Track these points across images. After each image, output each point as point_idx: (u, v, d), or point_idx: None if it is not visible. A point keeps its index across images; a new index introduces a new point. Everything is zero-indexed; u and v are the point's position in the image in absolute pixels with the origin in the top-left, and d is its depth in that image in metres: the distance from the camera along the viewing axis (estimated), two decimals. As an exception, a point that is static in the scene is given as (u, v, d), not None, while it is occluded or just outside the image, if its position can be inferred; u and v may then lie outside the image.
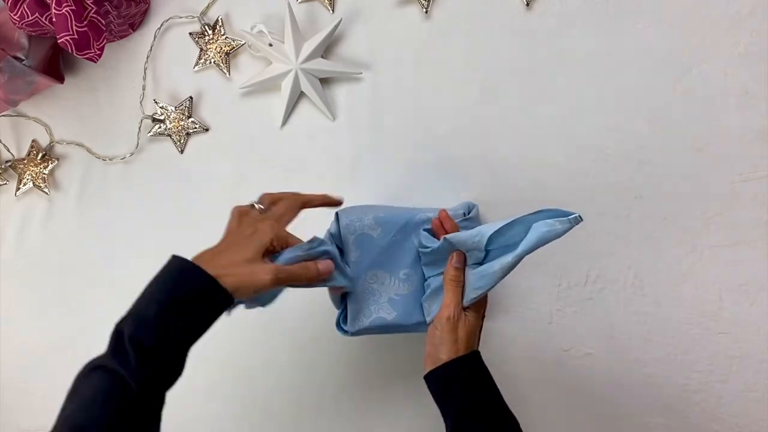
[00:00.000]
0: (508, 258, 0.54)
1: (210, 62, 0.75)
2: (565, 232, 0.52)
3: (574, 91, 0.72)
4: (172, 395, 0.74)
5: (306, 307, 0.73)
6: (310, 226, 0.75)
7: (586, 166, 0.72)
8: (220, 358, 0.76)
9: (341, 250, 0.65)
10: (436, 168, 0.74)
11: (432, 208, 0.68)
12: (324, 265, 0.57)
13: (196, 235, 0.76)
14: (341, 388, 0.75)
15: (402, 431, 0.74)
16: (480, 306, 0.60)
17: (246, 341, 0.76)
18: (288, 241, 0.56)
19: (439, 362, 0.56)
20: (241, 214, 0.57)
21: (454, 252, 0.59)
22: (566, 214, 0.52)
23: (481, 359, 0.58)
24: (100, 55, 0.66)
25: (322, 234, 0.69)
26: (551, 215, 0.53)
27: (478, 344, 0.59)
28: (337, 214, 0.68)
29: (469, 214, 0.67)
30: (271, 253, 0.54)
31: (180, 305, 0.49)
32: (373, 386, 0.75)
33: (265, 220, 0.55)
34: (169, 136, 0.76)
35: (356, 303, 0.64)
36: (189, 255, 0.76)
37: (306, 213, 0.75)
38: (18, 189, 0.78)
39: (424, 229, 0.64)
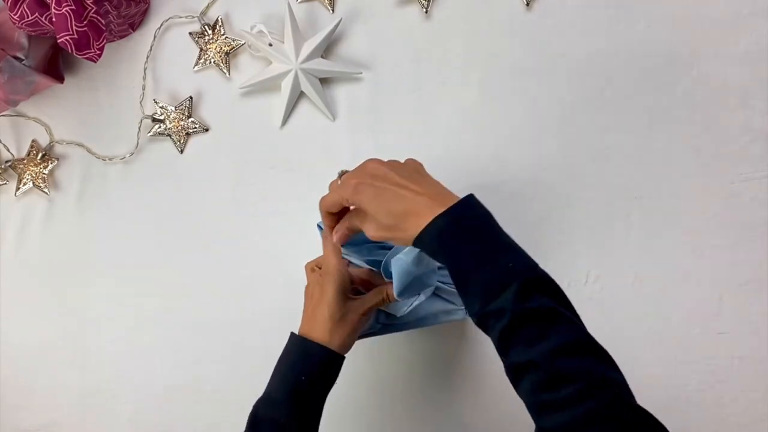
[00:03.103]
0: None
1: (210, 62, 0.75)
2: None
3: (574, 91, 0.72)
4: (171, 396, 0.73)
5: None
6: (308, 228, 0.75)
7: (586, 166, 0.72)
8: (222, 360, 0.76)
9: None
10: (435, 168, 0.73)
11: None
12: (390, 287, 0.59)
13: (196, 235, 0.77)
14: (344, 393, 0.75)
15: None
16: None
17: (246, 343, 0.76)
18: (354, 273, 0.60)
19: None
20: (307, 276, 0.62)
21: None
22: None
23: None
24: (100, 55, 0.66)
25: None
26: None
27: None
28: (319, 225, 0.68)
29: None
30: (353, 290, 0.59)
31: (305, 382, 0.56)
32: (375, 388, 0.75)
33: (323, 275, 0.59)
34: (169, 136, 0.76)
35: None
36: (190, 254, 0.76)
37: (307, 219, 0.75)
38: (18, 189, 0.78)
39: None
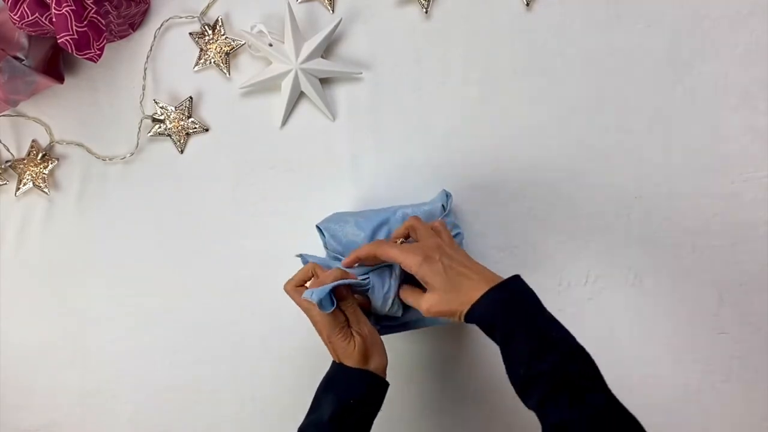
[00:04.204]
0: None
1: (210, 62, 0.75)
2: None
3: (574, 91, 0.72)
4: (171, 396, 0.73)
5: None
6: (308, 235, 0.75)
7: (586, 166, 0.72)
8: (222, 360, 0.76)
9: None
10: (435, 168, 0.74)
11: (409, 204, 0.68)
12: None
13: (196, 235, 0.77)
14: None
15: None
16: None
17: (245, 343, 0.76)
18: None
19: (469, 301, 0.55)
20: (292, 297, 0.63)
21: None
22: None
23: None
24: (100, 55, 0.66)
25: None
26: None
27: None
28: (318, 227, 0.68)
29: (447, 207, 0.68)
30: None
31: (353, 405, 0.57)
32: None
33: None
34: (169, 136, 0.76)
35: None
36: (190, 254, 0.76)
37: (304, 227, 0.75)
38: (18, 189, 0.78)
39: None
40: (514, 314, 0.52)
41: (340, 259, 0.66)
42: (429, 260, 0.56)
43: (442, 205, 0.68)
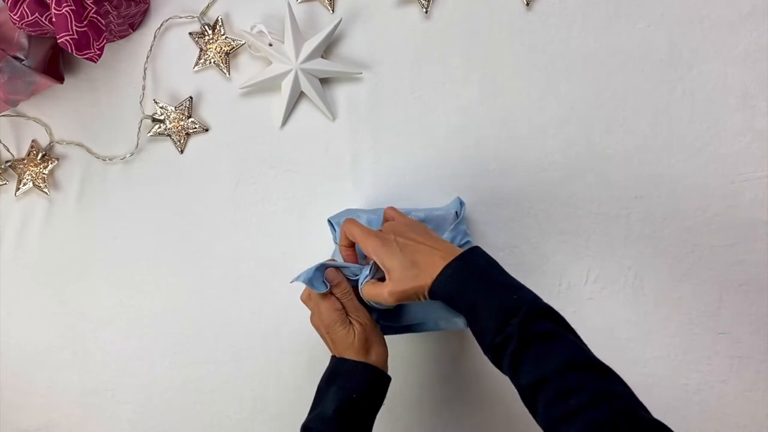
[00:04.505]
0: None
1: (210, 62, 0.75)
2: None
3: (574, 91, 0.72)
4: (170, 396, 0.73)
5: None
6: (318, 232, 0.75)
7: (586, 166, 0.72)
8: (222, 360, 0.76)
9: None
10: (435, 168, 0.74)
11: (422, 208, 0.68)
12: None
13: (196, 235, 0.77)
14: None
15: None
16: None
17: (246, 344, 0.76)
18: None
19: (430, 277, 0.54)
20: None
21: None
22: None
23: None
24: (100, 55, 0.66)
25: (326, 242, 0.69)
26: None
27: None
28: (330, 221, 0.68)
29: (460, 215, 0.68)
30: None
31: (356, 399, 0.57)
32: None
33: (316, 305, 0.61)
34: (169, 136, 0.76)
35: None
36: (190, 254, 0.76)
37: (313, 223, 0.75)
38: (18, 189, 0.78)
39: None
40: (472, 287, 0.52)
41: None
42: (385, 242, 0.56)
43: (456, 212, 0.68)
